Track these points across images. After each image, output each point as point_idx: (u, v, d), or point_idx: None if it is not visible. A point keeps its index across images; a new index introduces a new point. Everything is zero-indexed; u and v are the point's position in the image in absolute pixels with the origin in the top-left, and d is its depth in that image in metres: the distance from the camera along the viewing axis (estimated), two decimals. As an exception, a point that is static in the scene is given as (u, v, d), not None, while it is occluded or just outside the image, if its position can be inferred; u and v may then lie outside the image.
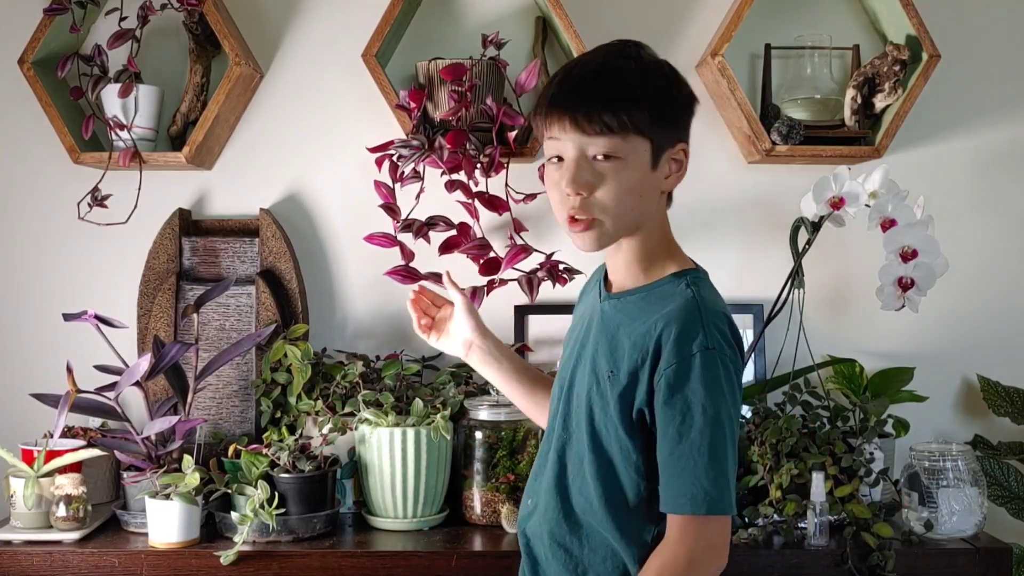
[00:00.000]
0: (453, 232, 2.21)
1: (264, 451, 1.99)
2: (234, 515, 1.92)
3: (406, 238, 2.22)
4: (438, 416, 2.04)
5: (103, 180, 2.22)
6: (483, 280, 2.20)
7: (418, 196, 2.20)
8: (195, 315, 2.09)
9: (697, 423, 1.36)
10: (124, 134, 2.19)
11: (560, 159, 1.44)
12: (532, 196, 2.20)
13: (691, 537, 1.37)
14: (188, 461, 1.94)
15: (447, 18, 2.33)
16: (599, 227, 1.44)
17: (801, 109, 2.27)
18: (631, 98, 1.41)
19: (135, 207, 2.24)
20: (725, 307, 1.46)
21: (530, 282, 2.16)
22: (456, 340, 1.74)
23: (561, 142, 1.43)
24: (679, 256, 1.51)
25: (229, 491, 1.96)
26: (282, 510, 1.94)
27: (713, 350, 1.38)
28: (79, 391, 1.94)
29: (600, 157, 1.41)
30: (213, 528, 1.99)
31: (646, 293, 1.47)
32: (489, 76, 2.18)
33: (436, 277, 2.20)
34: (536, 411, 1.76)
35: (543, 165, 2.04)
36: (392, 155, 2.18)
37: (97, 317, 2.00)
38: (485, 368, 1.75)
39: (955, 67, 2.30)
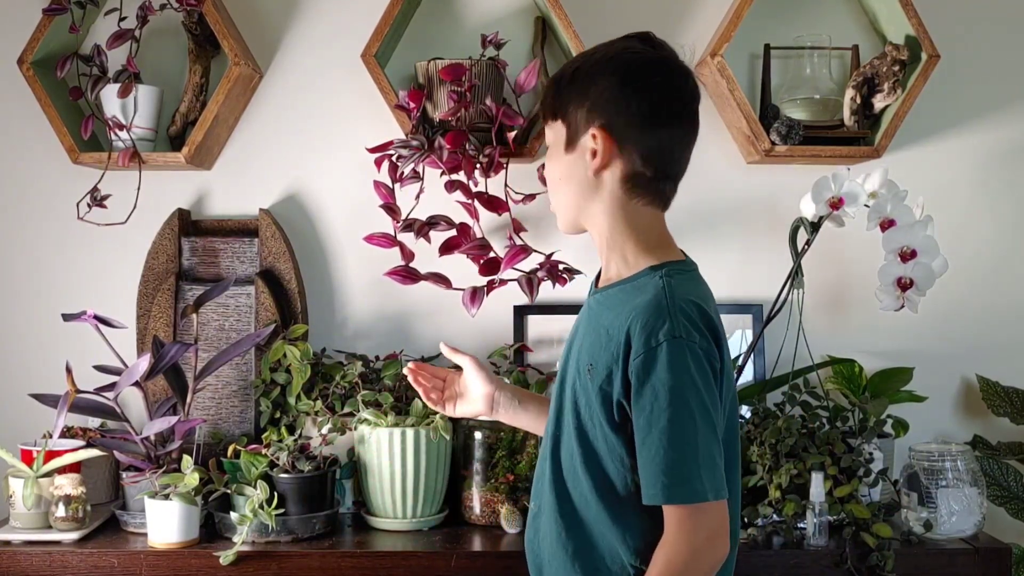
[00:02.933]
0: (453, 232, 2.21)
1: (263, 451, 1.99)
2: (233, 515, 1.92)
3: (406, 238, 2.22)
4: (437, 416, 2.04)
5: (102, 180, 2.22)
6: (483, 280, 2.20)
7: (418, 196, 2.20)
8: (194, 315, 2.09)
9: (665, 412, 1.34)
10: (123, 134, 2.19)
11: None
12: (531, 196, 2.20)
13: (689, 527, 1.35)
14: (187, 461, 1.94)
15: (447, 18, 2.33)
16: (556, 210, 1.54)
17: (800, 109, 2.27)
18: (554, 86, 1.50)
19: (134, 207, 2.23)
20: (701, 296, 1.43)
21: (530, 282, 2.16)
22: (477, 400, 1.69)
23: None
24: (661, 249, 1.48)
25: (228, 491, 1.96)
26: (281, 510, 1.93)
27: (680, 338, 1.36)
28: (78, 391, 1.94)
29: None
30: (212, 528, 1.99)
31: (626, 285, 1.46)
32: (489, 76, 2.18)
33: (437, 278, 2.20)
34: None
35: (542, 166, 2.05)
36: (392, 155, 2.18)
37: (96, 317, 2.00)
38: (516, 417, 1.71)
39: (955, 67, 2.30)
